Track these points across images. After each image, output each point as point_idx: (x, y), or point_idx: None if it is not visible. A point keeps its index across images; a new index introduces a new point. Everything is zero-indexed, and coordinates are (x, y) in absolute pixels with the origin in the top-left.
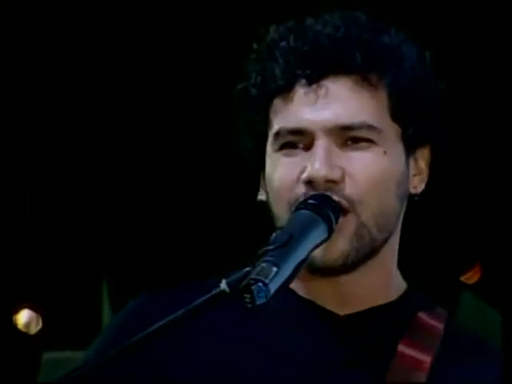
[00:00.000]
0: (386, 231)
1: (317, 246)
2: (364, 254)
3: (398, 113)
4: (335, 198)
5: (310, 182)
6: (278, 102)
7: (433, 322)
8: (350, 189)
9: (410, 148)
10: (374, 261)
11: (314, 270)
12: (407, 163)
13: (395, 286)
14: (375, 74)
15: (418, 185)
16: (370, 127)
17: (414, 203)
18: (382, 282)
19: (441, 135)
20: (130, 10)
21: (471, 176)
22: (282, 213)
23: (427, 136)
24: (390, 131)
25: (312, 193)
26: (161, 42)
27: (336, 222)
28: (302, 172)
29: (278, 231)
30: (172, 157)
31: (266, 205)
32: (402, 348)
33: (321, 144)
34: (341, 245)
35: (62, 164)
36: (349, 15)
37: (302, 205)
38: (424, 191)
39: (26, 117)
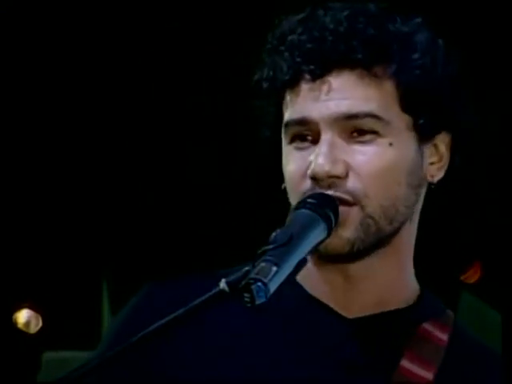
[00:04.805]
0: (397, 222)
1: (317, 245)
2: (371, 243)
3: (407, 103)
4: (338, 193)
5: (314, 178)
6: (287, 95)
7: (437, 334)
8: (353, 183)
9: (425, 137)
10: (385, 251)
11: (322, 256)
12: (420, 152)
13: (408, 288)
14: (381, 66)
15: (435, 173)
16: (375, 117)
17: (431, 192)
18: (394, 279)
19: (460, 121)
20: (129, 10)
21: (471, 175)
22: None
23: (443, 123)
24: (399, 122)
25: (317, 188)
26: (160, 42)
27: (336, 221)
28: (308, 167)
29: (278, 231)
30: (170, 157)
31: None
32: (404, 363)
33: (325, 138)
34: (345, 233)
35: (61, 166)
36: (357, 7)
37: (302, 204)
38: (442, 180)
39: (26, 117)
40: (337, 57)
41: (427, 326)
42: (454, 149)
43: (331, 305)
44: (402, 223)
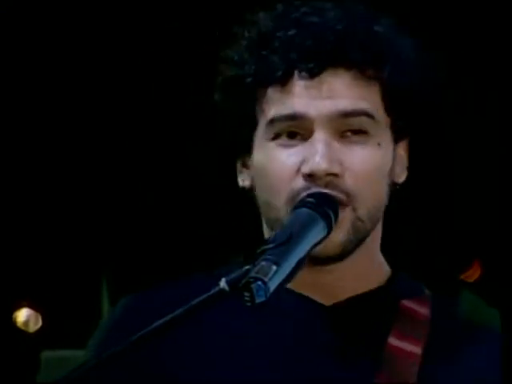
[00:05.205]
0: (376, 221)
1: (316, 244)
2: (357, 244)
3: (391, 105)
4: (335, 192)
5: (310, 176)
6: (272, 92)
7: (419, 309)
8: (349, 182)
9: (399, 138)
10: (361, 247)
11: (312, 258)
12: (394, 153)
13: (379, 271)
14: (373, 68)
15: (400, 174)
16: (369, 116)
17: (396, 192)
18: (366, 268)
19: (425, 125)
20: (129, 10)
21: (471, 175)
22: (279, 204)
23: (414, 127)
24: (384, 122)
25: (312, 187)
26: (160, 42)
27: (335, 220)
28: (301, 164)
29: (278, 230)
30: (170, 157)
31: (248, 192)
32: (392, 340)
33: (320, 137)
34: (339, 238)
35: (61, 166)
36: (346, 7)
37: (301, 203)
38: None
39: (26, 117)
40: (335, 56)
41: (407, 303)
42: (411, 153)
43: (309, 295)
44: (378, 221)
